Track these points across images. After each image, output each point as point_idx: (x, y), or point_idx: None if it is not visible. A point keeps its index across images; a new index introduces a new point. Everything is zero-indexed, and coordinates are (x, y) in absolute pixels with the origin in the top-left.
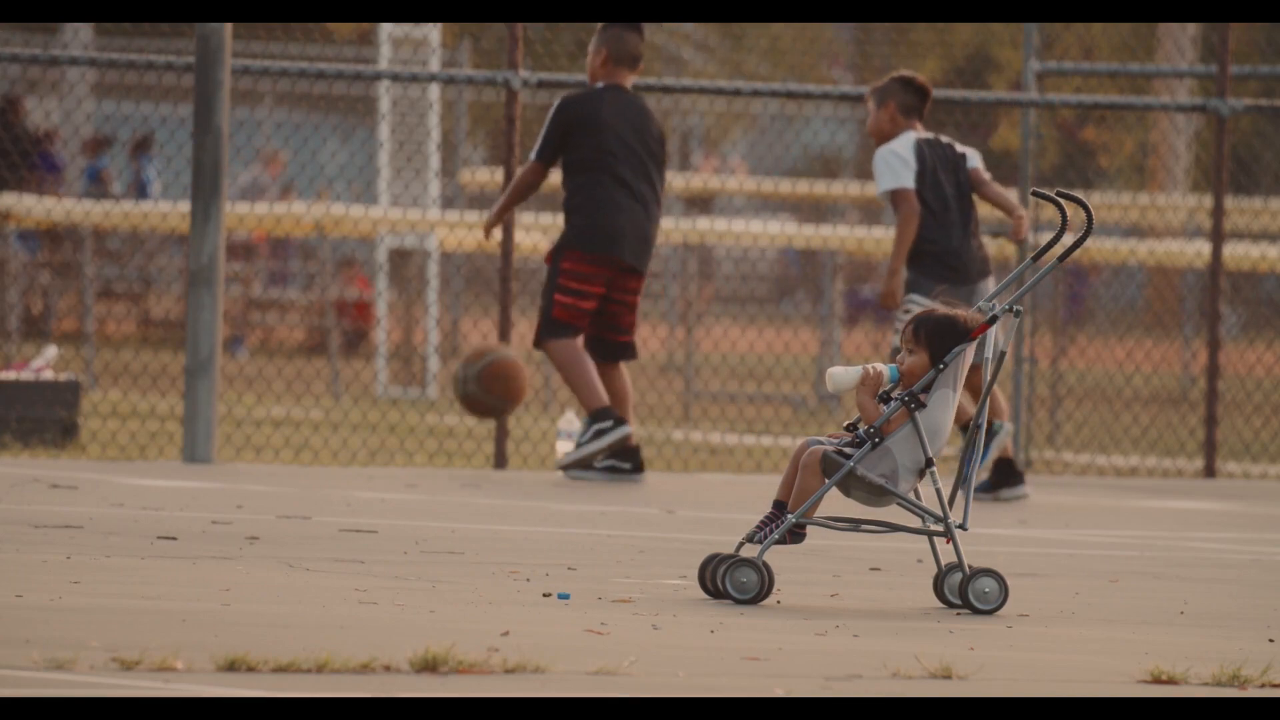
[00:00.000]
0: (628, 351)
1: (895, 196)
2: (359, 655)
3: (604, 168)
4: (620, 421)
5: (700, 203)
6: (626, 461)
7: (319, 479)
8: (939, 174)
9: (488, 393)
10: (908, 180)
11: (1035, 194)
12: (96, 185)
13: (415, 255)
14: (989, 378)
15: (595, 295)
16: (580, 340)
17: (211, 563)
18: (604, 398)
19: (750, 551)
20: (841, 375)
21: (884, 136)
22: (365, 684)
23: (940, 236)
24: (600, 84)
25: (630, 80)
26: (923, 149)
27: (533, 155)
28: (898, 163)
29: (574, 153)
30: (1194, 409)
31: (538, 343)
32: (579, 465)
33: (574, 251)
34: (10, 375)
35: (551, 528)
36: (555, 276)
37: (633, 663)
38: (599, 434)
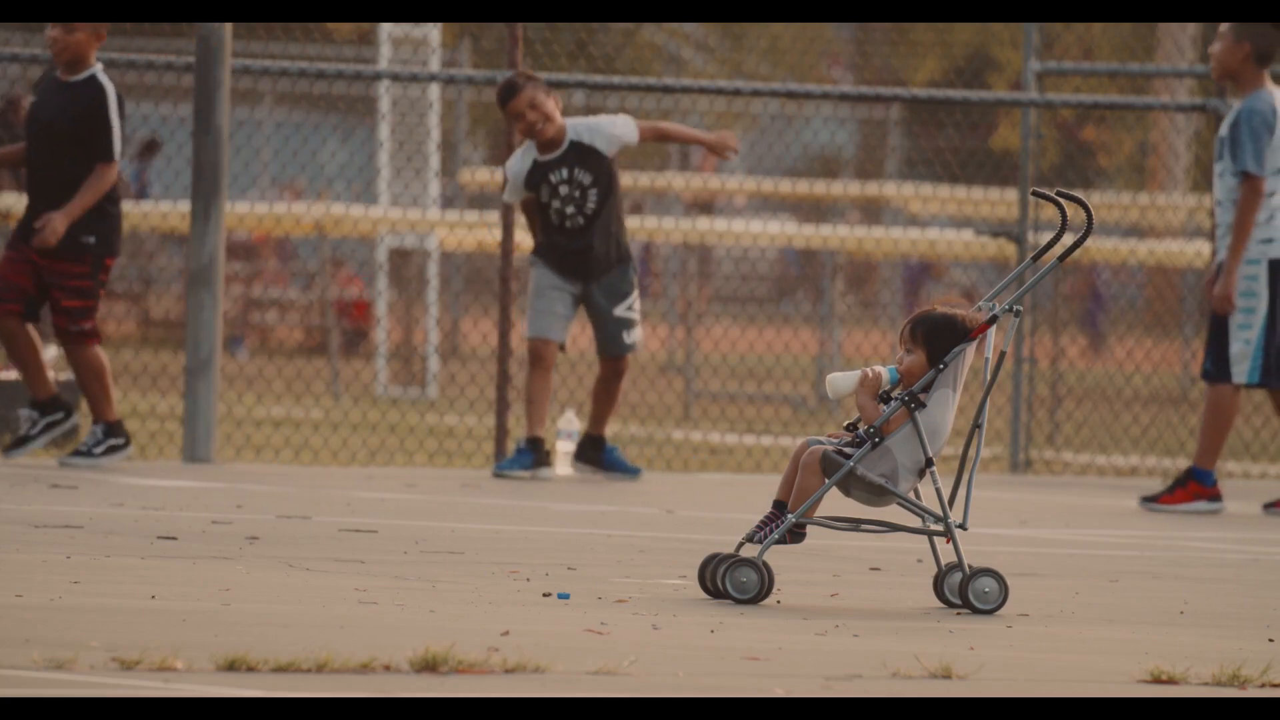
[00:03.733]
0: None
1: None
2: (359, 655)
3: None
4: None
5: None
6: (121, 438)
7: (319, 479)
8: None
9: None
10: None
11: (1035, 194)
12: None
13: (415, 255)
14: (989, 378)
15: None
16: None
17: (211, 563)
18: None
19: (750, 551)
20: (841, 380)
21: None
22: (365, 684)
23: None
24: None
25: None
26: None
27: (115, 155)
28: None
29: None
30: (1194, 409)
31: (85, 340)
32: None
33: (113, 258)
34: (10, 375)
35: (551, 528)
36: (98, 273)
37: (633, 663)
38: (112, 444)
